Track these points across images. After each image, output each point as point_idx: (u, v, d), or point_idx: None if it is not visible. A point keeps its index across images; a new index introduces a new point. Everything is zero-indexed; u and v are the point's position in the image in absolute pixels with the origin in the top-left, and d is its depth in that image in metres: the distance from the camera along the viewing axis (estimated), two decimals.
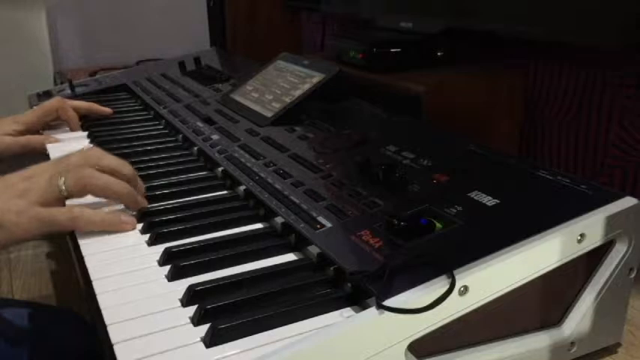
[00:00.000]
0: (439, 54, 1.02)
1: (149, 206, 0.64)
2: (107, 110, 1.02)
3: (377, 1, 1.20)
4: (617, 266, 0.50)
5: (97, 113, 1.01)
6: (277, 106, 0.85)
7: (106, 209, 0.63)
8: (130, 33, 1.95)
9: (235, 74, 1.11)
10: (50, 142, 0.90)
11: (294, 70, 0.92)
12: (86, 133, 0.94)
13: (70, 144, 0.88)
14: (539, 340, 0.49)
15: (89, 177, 0.61)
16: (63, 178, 0.60)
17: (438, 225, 0.50)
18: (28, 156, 0.89)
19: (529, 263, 0.46)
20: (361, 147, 0.69)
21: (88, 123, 0.98)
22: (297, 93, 0.85)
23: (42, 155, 0.87)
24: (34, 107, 0.99)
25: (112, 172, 0.63)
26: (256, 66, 1.03)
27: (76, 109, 0.98)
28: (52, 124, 0.98)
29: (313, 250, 0.53)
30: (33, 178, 0.61)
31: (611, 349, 0.54)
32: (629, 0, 0.72)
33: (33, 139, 0.91)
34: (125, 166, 0.64)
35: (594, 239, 0.48)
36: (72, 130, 0.96)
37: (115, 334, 0.44)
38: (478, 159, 0.63)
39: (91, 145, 0.69)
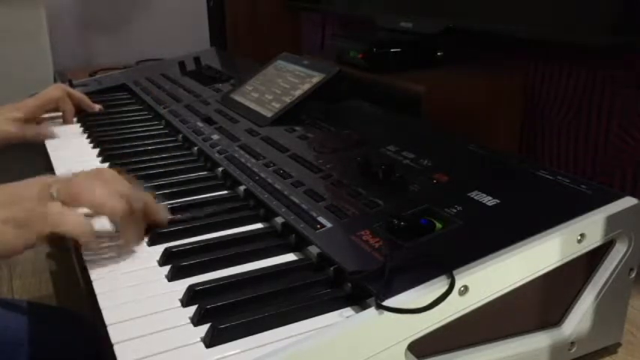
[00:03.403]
0: (439, 54, 1.02)
1: None
2: (96, 107, 1.03)
3: (377, 1, 1.20)
4: (617, 266, 0.50)
5: (86, 107, 1.02)
6: (277, 106, 0.85)
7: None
8: (130, 33, 1.95)
9: (235, 74, 1.11)
10: (45, 136, 0.90)
11: (294, 70, 0.92)
12: (82, 129, 0.95)
13: (72, 149, 0.88)
14: (539, 340, 0.49)
15: (85, 189, 0.56)
16: (56, 187, 0.55)
17: (438, 225, 0.50)
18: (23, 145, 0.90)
19: (529, 263, 0.46)
20: (361, 147, 0.69)
21: (88, 123, 0.98)
22: (297, 93, 0.85)
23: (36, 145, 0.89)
24: (35, 94, 0.99)
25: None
26: (256, 66, 1.03)
27: (71, 97, 0.99)
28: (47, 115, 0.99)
29: (313, 250, 0.53)
30: (25, 189, 0.55)
31: (611, 349, 0.54)
32: (629, 0, 0.72)
33: (27, 130, 0.91)
34: (136, 199, 0.57)
35: (594, 239, 0.48)
36: (66, 122, 0.98)
37: (115, 334, 0.44)
38: (478, 159, 0.63)
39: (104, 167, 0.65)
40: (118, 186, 0.57)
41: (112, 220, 0.57)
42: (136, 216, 0.57)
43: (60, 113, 1.00)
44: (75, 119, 1.01)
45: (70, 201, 0.54)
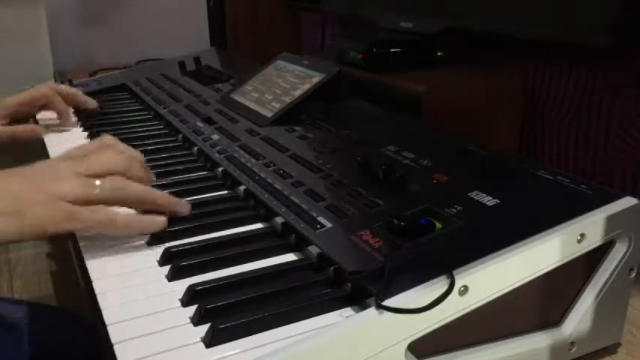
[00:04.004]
0: (439, 54, 1.02)
1: None
2: (90, 101, 1.02)
3: (377, 1, 1.20)
4: (617, 266, 0.50)
5: (81, 103, 1.00)
6: (277, 106, 0.85)
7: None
8: (130, 33, 1.95)
9: (235, 74, 1.11)
10: (37, 134, 0.89)
11: (294, 70, 0.92)
12: (82, 129, 0.95)
13: (68, 141, 0.89)
14: (539, 340, 0.49)
15: (128, 190, 0.57)
16: (98, 182, 0.56)
17: (438, 225, 0.50)
18: (18, 144, 0.88)
19: (529, 263, 0.46)
20: (361, 147, 0.69)
21: (88, 122, 0.98)
22: (297, 93, 0.85)
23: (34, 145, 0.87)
24: (23, 91, 0.96)
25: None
26: (256, 66, 1.03)
27: (63, 96, 0.96)
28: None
29: (313, 250, 0.53)
30: (52, 173, 0.56)
31: (611, 349, 0.54)
32: (630, 0, 0.72)
33: (19, 131, 0.89)
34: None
35: (594, 239, 0.48)
36: (62, 122, 0.96)
37: (115, 334, 0.44)
38: (478, 159, 0.63)
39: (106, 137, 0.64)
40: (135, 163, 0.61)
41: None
42: None
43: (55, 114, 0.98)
44: (76, 119, 1.00)
45: (116, 202, 0.56)
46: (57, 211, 0.52)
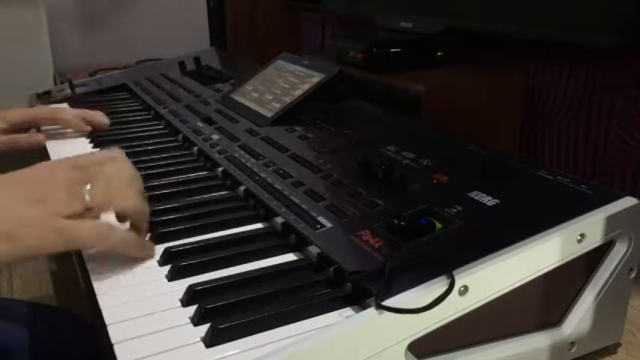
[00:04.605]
0: (439, 54, 1.02)
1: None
2: (104, 122, 0.95)
3: (377, 1, 1.20)
4: (617, 266, 0.50)
5: (94, 123, 0.95)
6: (277, 106, 0.85)
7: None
8: (130, 33, 1.95)
9: (235, 74, 1.11)
10: (38, 141, 0.87)
11: (294, 70, 0.92)
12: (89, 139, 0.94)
13: (72, 149, 0.88)
14: (539, 340, 0.49)
15: (119, 193, 0.54)
16: (88, 187, 0.52)
17: (438, 225, 0.50)
18: (17, 154, 0.87)
19: (529, 263, 0.46)
20: (361, 147, 0.69)
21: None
22: (297, 93, 0.85)
23: (34, 155, 0.86)
24: (25, 108, 0.95)
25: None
26: (256, 66, 1.03)
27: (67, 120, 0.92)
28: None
29: (313, 250, 0.53)
30: (49, 181, 0.53)
31: (611, 349, 0.54)
32: (629, 0, 0.72)
33: (18, 138, 0.87)
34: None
35: (594, 239, 0.48)
36: (79, 131, 0.93)
37: (115, 334, 0.44)
38: (478, 159, 0.63)
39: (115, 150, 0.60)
40: (138, 185, 0.57)
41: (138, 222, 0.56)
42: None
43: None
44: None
45: (104, 206, 0.53)
46: (50, 233, 0.49)
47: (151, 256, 0.55)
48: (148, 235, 0.59)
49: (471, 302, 0.44)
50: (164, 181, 0.71)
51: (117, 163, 0.57)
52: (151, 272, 0.53)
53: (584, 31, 0.78)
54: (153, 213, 0.62)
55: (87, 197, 0.52)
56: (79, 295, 0.57)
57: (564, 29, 0.81)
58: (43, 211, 0.50)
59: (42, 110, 0.95)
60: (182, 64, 1.22)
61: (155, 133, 0.93)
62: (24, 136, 0.89)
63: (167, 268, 0.53)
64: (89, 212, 0.52)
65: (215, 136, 0.82)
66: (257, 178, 0.66)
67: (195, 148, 0.81)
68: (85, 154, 0.61)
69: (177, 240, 0.57)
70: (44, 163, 0.56)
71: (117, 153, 0.59)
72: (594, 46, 0.82)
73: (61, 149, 0.87)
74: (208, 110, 0.93)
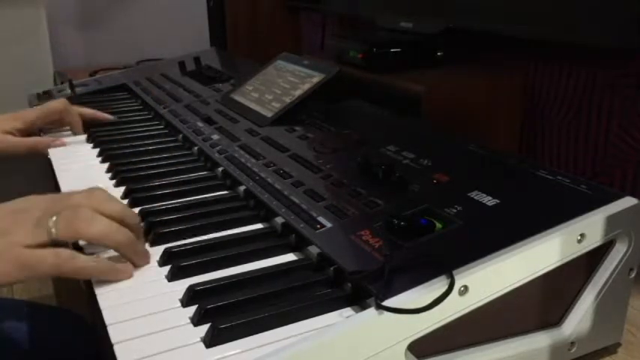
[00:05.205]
0: (439, 54, 1.02)
1: (149, 206, 0.64)
2: (110, 117, 0.98)
3: (377, 1, 1.20)
4: (617, 266, 0.50)
5: (101, 120, 0.97)
6: (277, 106, 0.85)
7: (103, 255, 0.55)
8: (130, 33, 1.95)
9: (235, 74, 1.11)
10: (57, 146, 0.87)
11: (294, 70, 0.92)
12: (86, 136, 0.94)
13: (72, 148, 0.88)
14: (539, 340, 0.49)
15: (84, 220, 0.52)
16: (54, 218, 0.51)
17: (438, 225, 0.50)
18: (28, 157, 0.87)
19: (529, 263, 0.46)
20: (361, 147, 0.69)
21: (87, 123, 0.98)
22: (297, 93, 0.85)
23: (43, 157, 0.86)
24: (35, 107, 0.97)
25: (115, 219, 0.54)
26: (256, 66, 1.03)
27: (80, 115, 0.95)
28: (52, 126, 0.96)
29: (313, 250, 0.53)
30: (21, 214, 0.52)
31: (611, 349, 0.54)
32: (630, 0, 0.72)
33: (40, 142, 0.88)
34: (131, 216, 0.56)
35: (594, 239, 0.48)
36: (75, 133, 0.94)
37: (115, 334, 0.44)
38: (478, 159, 0.63)
39: (97, 186, 0.58)
40: (113, 206, 0.55)
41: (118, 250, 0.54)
42: (137, 233, 0.55)
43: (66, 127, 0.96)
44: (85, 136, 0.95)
45: (70, 237, 0.52)
46: (8, 262, 0.49)
47: (127, 277, 0.52)
48: (148, 236, 0.59)
49: (471, 302, 0.44)
50: (164, 181, 0.71)
51: (89, 193, 0.56)
52: (151, 272, 0.53)
53: (584, 31, 0.78)
54: (153, 213, 0.63)
55: (52, 229, 0.50)
56: (79, 295, 0.57)
57: (564, 29, 0.81)
58: (6, 242, 0.49)
59: (54, 104, 0.94)
60: (182, 64, 1.22)
61: (155, 133, 0.93)
62: (47, 140, 0.89)
63: (167, 268, 0.53)
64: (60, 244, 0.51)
65: (215, 136, 0.82)
66: (257, 178, 0.66)
67: (196, 148, 0.81)
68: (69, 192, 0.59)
69: (177, 240, 0.57)
70: (26, 198, 0.55)
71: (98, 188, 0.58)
72: (595, 47, 0.82)
73: (60, 150, 0.88)
74: (208, 110, 0.93)
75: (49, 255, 0.50)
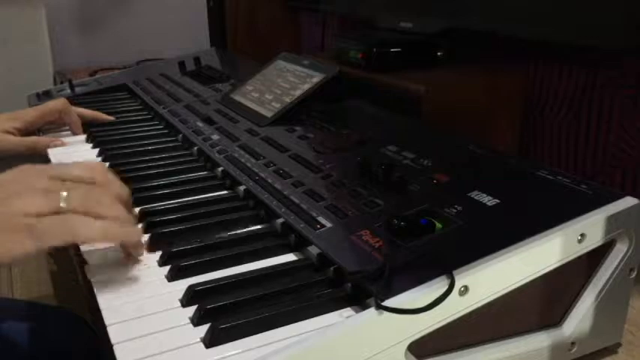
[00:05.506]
0: (439, 54, 1.02)
1: (149, 206, 0.64)
2: (110, 118, 0.99)
3: (377, 1, 1.20)
4: (617, 266, 0.50)
5: (102, 121, 0.98)
6: (277, 106, 0.85)
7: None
8: (130, 33, 1.95)
9: (235, 74, 1.11)
10: (56, 146, 0.88)
11: (294, 70, 0.92)
12: (85, 136, 0.94)
13: (71, 148, 0.88)
14: (540, 340, 0.49)
15: (97, 206, 0.51)
16: (65, 193, 0.50)
17: (438, 225, 0.50)
18: (26, 156, 0.87)
19: (529, 263, 0.46)
20: (361, 147, 0.69)
21: (87, 123, 0.98)
22: (297, 93, 0.85)
23: (42, 157, 0.86)
24: (34, 106, 0.97)
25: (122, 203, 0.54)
26: (256, 66, 1.03)
27: (80, 116, 0.95)
28: (51, 126, 0.96)
29: (313, 250, 0.53)
30: (21, 183, 0.51)
31: (611, 349, 0.54)
32: (630, 1, 0.72)
33: (40, 141, 0.88)
34: (128, 193, 0.57)
35: (594, 239, 0.48)
36: (74, 133, 0.94)
37: (115, 334, 0.44)
38: (478, 159, 0.63)
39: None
40: (116, 189, 0.55)
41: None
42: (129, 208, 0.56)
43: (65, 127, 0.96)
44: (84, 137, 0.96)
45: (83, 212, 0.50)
46: (14, 233, 0.47)
47: (140, 247, 0.54)
48: (148, 235, 0.59)
49: (471, 302, 0.44)
50: (164, 181, 0.71)
51: (85, 168, 0.55)
52: (151, 272, 0.53)
53: (584, 32, 0.78)
54: (153, 213, 0.63)
55: (62, 203, 0.49)
56: (79, 295, 0.57)
57: (564, 29, 0.81)
58: (13, 213, 0.47)
59: (53, 104, 0.94)
60: (182, 64, 1.22)
61: (155, 133, 0.93)
62: (47, 140, 0.89)
63: (167, 268, 0.53)
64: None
65: (215, 136, 0.82)
66: (257, 178, 0.66)
67: (195, 148, 0.81)
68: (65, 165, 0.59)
69: (177, 240, 0.57)
70: (18, 168, 0.53)
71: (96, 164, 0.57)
72: (594, 47, 0.82)
73: (59, 149, 0.88)
74: (208, 110, 0.93)
75: (59, 222, 0.48)
